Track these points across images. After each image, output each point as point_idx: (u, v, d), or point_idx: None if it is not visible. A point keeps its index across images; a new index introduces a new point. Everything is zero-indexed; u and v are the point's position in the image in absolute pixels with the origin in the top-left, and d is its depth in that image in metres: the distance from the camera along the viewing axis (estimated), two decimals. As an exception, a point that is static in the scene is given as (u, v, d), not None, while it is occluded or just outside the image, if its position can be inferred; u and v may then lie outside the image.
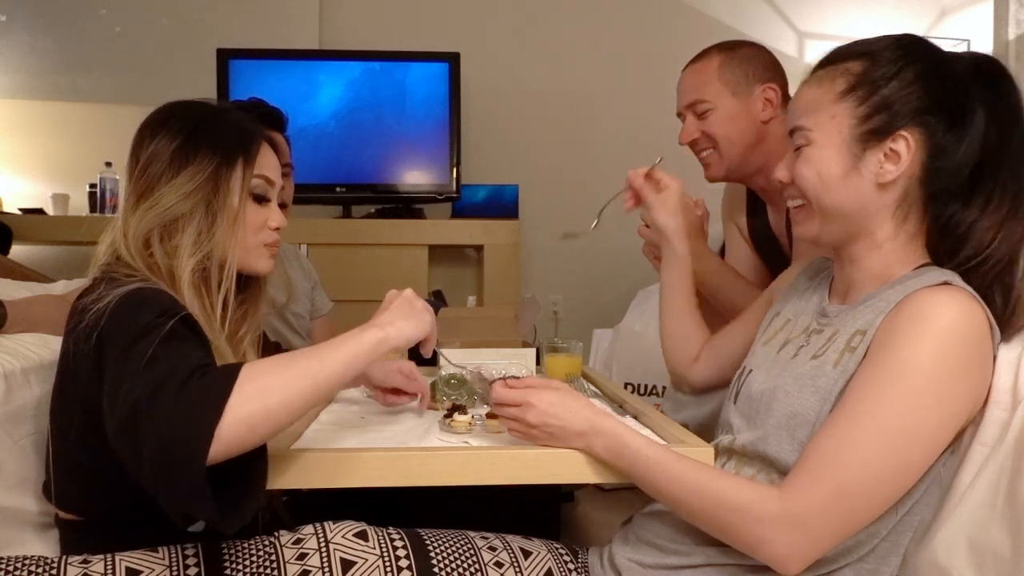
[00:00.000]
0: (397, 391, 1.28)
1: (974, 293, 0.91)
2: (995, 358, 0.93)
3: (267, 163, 1.14)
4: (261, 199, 1.13)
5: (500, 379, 1.32)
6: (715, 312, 1.62)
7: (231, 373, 0.81)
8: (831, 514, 0.86)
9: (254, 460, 0.86)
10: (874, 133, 0.94)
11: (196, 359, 0.86)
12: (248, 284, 1.20)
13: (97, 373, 0.91)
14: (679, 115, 1.65)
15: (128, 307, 0.92)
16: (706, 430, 1.26)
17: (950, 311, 0.87)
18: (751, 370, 1.07)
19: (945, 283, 0.91)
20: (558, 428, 0.99)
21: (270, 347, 1.29)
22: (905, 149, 0.93)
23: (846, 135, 0.96)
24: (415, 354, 1.55)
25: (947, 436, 0.89)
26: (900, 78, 0.94)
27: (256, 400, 0.81)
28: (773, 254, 1.63)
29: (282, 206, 1.18)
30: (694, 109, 1.57)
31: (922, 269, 0.96)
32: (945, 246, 0.97)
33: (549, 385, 1.02)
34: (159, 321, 0.89)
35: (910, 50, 0.96)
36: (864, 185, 0.96)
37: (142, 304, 0.93)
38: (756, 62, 1.56)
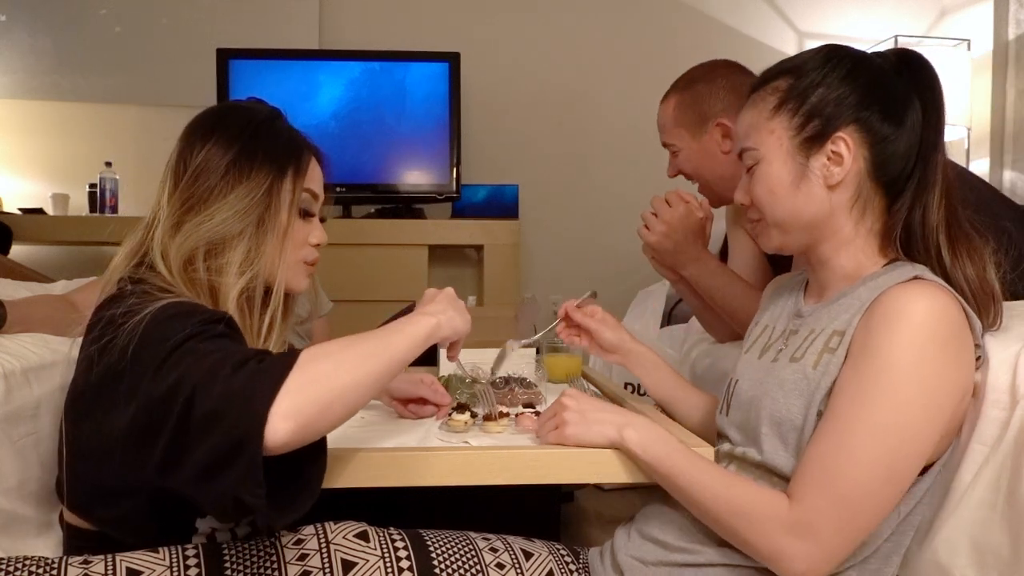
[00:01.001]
0: (423, 401, 1.27)
1: (945, 285, 0.92)
2: (979, 346, 0.94)
3: (314, 176, 1.11)
4: (306, 214, 1.10)
5: (501, 378, 1.32)
6: (715, 316, 1.62)
7: (291, 356, 0.80)
8: (838, 521, 0.87)
9: (312, 453, 0.85)
10: (813, 140, 0.98)
11: (252, 350, 0.84)
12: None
13: (129, 387, 0.88)
14: None
15: (166, 320, 0.89)
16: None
17: (922, 306, 0.88)
18: (737, 379, 1.09)
19: (916, 278, 0.92)
20: (591, 408, 1.04)
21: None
22: (845, 149, 0.96)
23: (787, 146, 0.99)
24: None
25: (936, 428, 0.89)
26: (825, 84, 0.98)
27: (316, 383, 0.78)
28: (783, 257, 1.63)
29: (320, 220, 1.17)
30: (667, 149, 1.64)
31: (892, 265, 0.98)
32: (908, 238, 0.98)
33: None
34: (205, 327, 0.87)
35: (830, 57, 1.00)
36: (815, 190, 0.98)
37: (182, 316, 0.89)
38: (708, 98, 1.58)
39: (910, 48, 1.03)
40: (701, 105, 1.58)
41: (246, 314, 1.03)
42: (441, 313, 0.98)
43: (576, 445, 1.02)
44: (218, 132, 1.04)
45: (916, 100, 0.98)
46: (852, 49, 1.02)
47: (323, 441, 0.87)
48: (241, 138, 1.04)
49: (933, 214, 0.96)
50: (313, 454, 0.85)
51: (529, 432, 1.12)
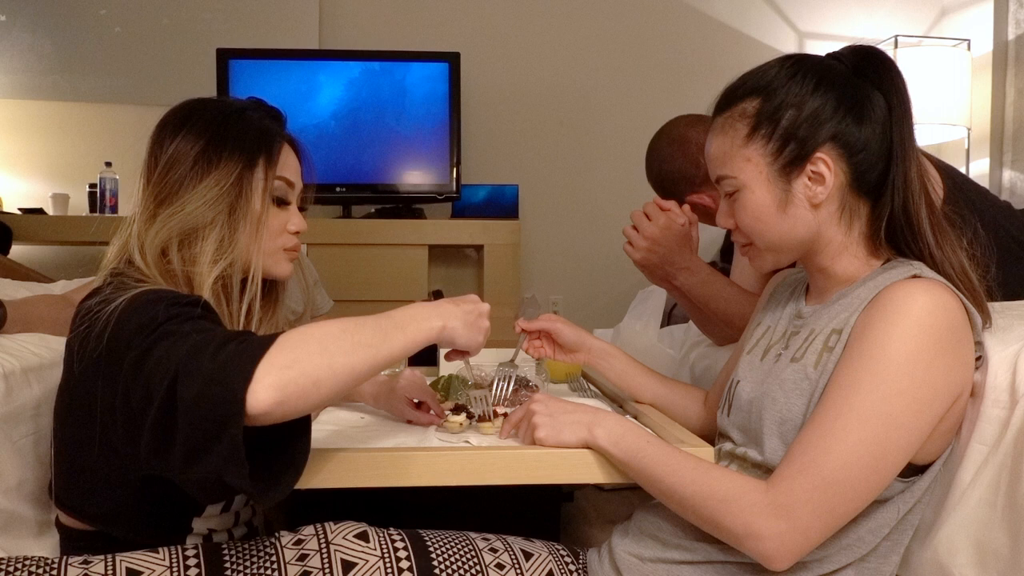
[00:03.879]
0: (426, 407, 1.23)
1: (945, 282, 0.92)
2: (980, 344, 0.94)
3: (288, 165, 1.12)
4: (281, 202, 1.11)
5: (504, 380, 1.32)
6: (711, 321, 1.61)
7: (272, 336, 0.80)
8: (816, 504, 0.86)
9: (296, 431, 0.85)
10: (792, 164, 0.97)
11: (233, 331, 0.85)
12: (265, 288, 1.18)
13: (107, 375, 0.90)
14: None
15: (141, 305, 0.90)
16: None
17: (921, 301, 0.88)
18: (739, 380, 1.08)
19: (915, 276, 0.92)
20: (560, 410, 1.04)
21: None
22: (825, 168, 0.96)
23: (766, 173, 0.98)
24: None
25: (926, 422, 0.89)
26: (795, 104, 0.96)
27: (300, 363, 0.79)
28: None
29: (300, 209, 1.17)
30: None
31: (889, 264, 0.98)
32: (896, 236, 0.98)
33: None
34: (183, 310, 0.88)
35: (794, 72, 0.98)
36: (801, 212, 0.98)
37: (156, 300, 0.91)
38: (671, 181, 1.68)
39: (865, 44, 1.01)
40: (669, 188, 1.68)
41: (223, 302, 1.04)
42: (451, 319, 0.96)
43: (550, 447, 1.02)
44: (187, 125, 1.05)
45: (881, 98, 0.97)
46: (813, 57, 1.00)
47: (307, 420, 0.87)
48: (210, 129, 1.05)
49: (915, 208, 0.96)
50: (297, 432, 0.85)
51: (507, 437, 1.11)
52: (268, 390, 0.76)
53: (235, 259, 1.04)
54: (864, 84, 0.97)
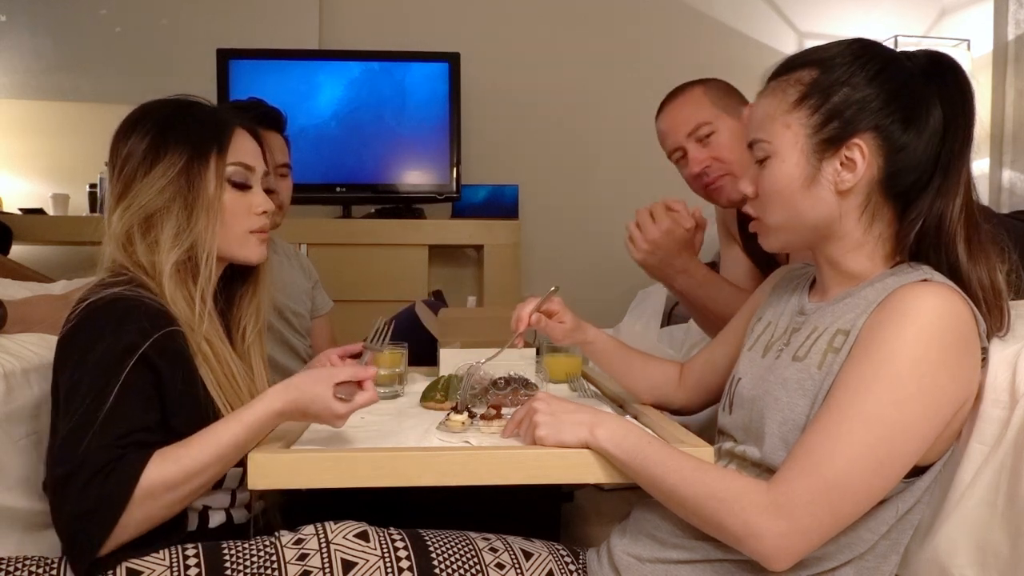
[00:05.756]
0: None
1: (955, 287, 0.92)
2: (985, 349, 0.94)
3: (243, 150, 1.16)
4: (240, 186, 1.15)
5: (502, 378, 1.32)
6: (711, 323, 1.61)
7: (132, 483, 0.91)
8: (817, 506, 0.86)
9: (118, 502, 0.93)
10: (829, 142, 0.95)
11: (125, 427, 0.94)
12: (246, 274, 1.21)
13: (55, 373, 1.01)
14: (673, 156, 1.62)
15: (94, 324, 0.99)
16: (703, 432, 1.26)
17: (932, 305, 0.88)
18: (740, 378, 1.08)
19: (925, 280, 0.92)
20: (562, 410, 1.03)
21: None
22: (860, 157, 0.94)
23: (802, 144, 0.97)
24: (431, 346, 1.52)
25: (932, 427, 0.89)
26: (850, 84, 0.95)
27: (149, 521, 0.95)
28: (773, 267, 1.62)
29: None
30: (696, 135, 1.56)
31: (898, 267, 0.97)
32: (921, 243, 0.97)
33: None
34: (117, 366, 0.96)
35: (860, 55, 0.97)
36: (824, 194, 0.97)
37: (108, 325, 0.98)
38: (732, 90, 1.58)
39: (944, 52, 0.99)
40: (730, 90, 1.57)
41: (188, 286, 1.10)
42: (293, 403, 1.01)
43: (549, 446, 1.01)
44: (139, 124, 1.13)
45: (939, 108, 0.95)
46: (884, 48, 0.99)
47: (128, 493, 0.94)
48: (157, 124, 1.12)
49: (950, 223, 0.94)
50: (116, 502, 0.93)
51: (510, 437, 1.11)
52: (115, 544, 0.93)
53: (194, 243, 1.10)
54: (926, 90, 0.95)
